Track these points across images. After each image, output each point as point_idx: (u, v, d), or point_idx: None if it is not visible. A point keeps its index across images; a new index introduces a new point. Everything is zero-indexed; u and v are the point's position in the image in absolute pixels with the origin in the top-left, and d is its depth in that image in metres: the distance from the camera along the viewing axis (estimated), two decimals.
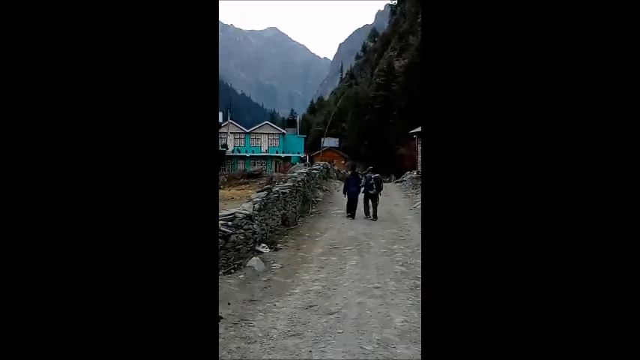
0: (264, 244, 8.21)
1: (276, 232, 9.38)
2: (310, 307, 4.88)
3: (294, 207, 11.40)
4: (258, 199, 9.05)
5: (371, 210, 11.55)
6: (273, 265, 6.87)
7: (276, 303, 5.03)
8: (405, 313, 4.65)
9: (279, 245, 8.35)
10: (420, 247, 7.94)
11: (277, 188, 10.63)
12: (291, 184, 11.88)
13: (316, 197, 14.30)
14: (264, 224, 8.93)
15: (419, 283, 5.74)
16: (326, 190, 16.42)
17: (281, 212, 10.22)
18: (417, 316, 4.54)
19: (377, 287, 5.58)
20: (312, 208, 12.88)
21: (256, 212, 8.57)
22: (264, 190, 10.30)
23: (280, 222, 10.08)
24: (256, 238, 8.18)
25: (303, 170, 15.18)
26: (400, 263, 6.85)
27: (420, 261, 7.01)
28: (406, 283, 5.80)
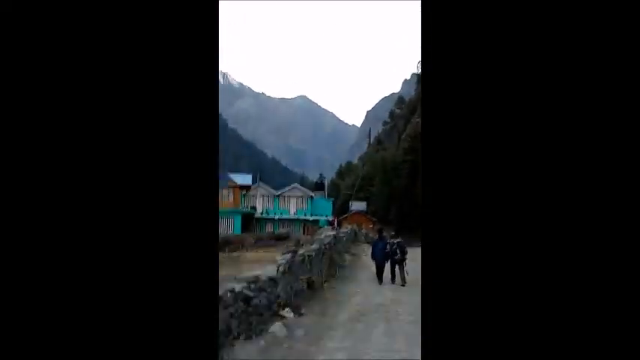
0: (288, 309, 7.94)
1: (301, 296, 9.11)
2: None
3: (320, 270, 11.13)
4: (282, 262, 8.88)
5: (397, 275, 11.19)
6: (297, 331, 6.58)
7: None
8: None
9: (303, 310, 8.06)
10: None
11: (303, 251, 10.46)
12: (317, 246, 11.69)
13: (343, 261, 14.00)
14: (288, 287, 8.69)
15: None
16: (354, 254, 16.10)
17: (306, 276, 9.98)
18: None
19: (405, 358, 5.21)
20: (339, 272, 12.56)
21: (280, 275, 8.38)
22: (290, 252, 10.15)
23: (306, 286, 9.81)
24: (280, 302, 7.93)
25: (330, 233, 15.01)
26: None
27: None
28: None
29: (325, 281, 11.06)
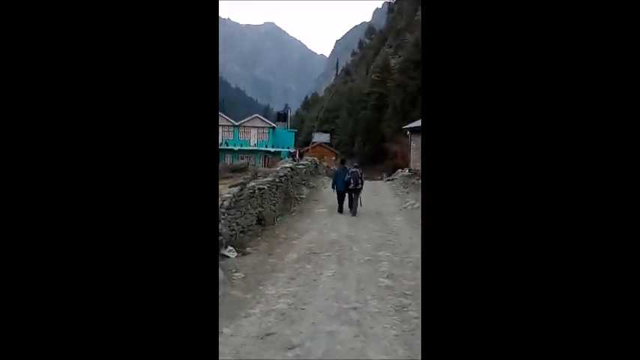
0: (231, 248, 7.13)
1: (249, 232, 8.32)
2: (267, 335, 3.83)
3: (273, 204, 10.32)
4: (228, 196, 7.96)
5: (348, 205, 10.96)
6: (235, 274, 5.80)
7: (225, 329, 3.96)
8: (387, 349, 3.59)
9: (248, 249, 7.29)
10: (407, 255, 6.94)
11: (253, 184, 9.54)
12: (271, 179, 10.81)
13: (300, 194, 13.23)
14: (234, 224, 7.86)
15: (406, 301, 4.69)
16: (312, 186, 15.35)
17: (256, 210, 9.14)
18: (401, 353, 3.49)
19: (354, 308, 4.52)
20: (295, 206, 11.81)
21: (224, 210, 7.50)
22: (238, 185, 9.20)
23: (255, 221, 9.01)
24: (222, 240, 7.11)
25: (287, 165, 14.07)
26: (385, 275, 5.81)
27: (408, 272, 5.98)
28: (391, 301, 4.74)
29: (279, 216, 10.31)
